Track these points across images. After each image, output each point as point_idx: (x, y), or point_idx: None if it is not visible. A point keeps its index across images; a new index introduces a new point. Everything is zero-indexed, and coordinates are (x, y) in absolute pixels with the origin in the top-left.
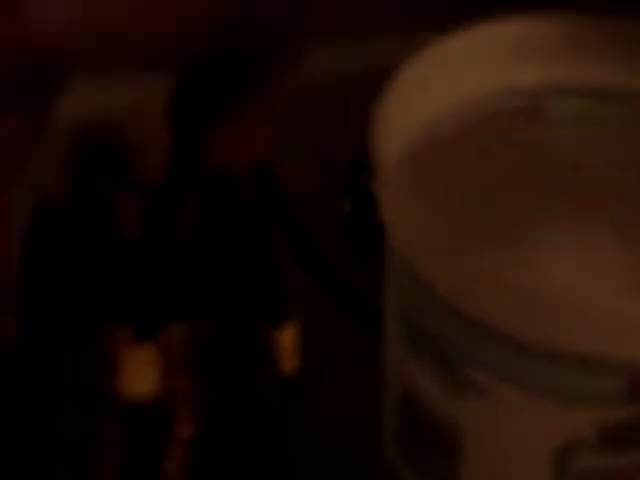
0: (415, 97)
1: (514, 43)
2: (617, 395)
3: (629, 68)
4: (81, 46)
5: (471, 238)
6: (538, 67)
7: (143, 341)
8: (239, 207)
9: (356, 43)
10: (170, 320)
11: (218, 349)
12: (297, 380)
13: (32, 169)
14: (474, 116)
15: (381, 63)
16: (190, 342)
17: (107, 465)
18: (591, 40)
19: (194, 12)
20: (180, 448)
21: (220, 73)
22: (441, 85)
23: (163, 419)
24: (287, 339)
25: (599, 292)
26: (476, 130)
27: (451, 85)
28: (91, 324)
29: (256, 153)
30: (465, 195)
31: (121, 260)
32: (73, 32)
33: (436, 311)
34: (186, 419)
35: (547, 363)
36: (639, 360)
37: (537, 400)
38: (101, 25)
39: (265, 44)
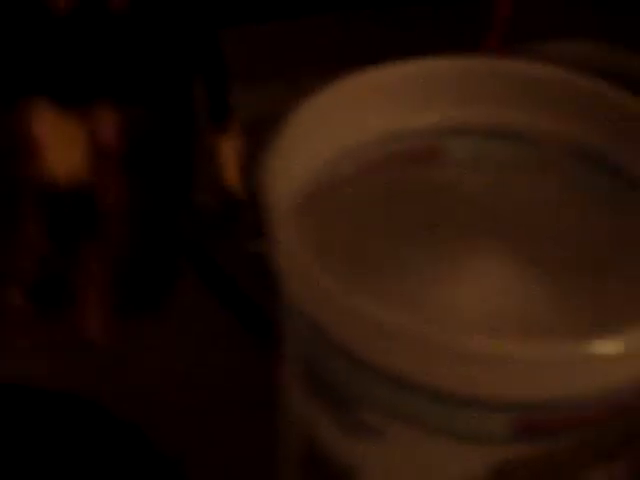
0: (310, 139)
1: (412, 84)
2: (504, 434)
3: (525, 109)
4: None
5: (363, 281)
6: (436, 108)
7: (67, 111)
8: None
9: (245, 90)
10: (99, 98)
11: (153, 144)
12: (238, 202)
13: None
14: (372, 157)
15: (269, 109)
16: (123, 132)
17: (26, 255)
18: (488, 81)
19: None
20: (103, 244)
21: None
22: (338, 127)
23: (87, 209)
24: (229, 147)
25: (492, 333)
26: (374, 172)
27: (348, 126)
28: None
29: None
30: (361, 238)
31: (48, 35)
32: None
33: (327, 352)
34: (112, 214)
35: (434, 402)
36: (524, 400)
37: (429, 439)
38: None
39: None
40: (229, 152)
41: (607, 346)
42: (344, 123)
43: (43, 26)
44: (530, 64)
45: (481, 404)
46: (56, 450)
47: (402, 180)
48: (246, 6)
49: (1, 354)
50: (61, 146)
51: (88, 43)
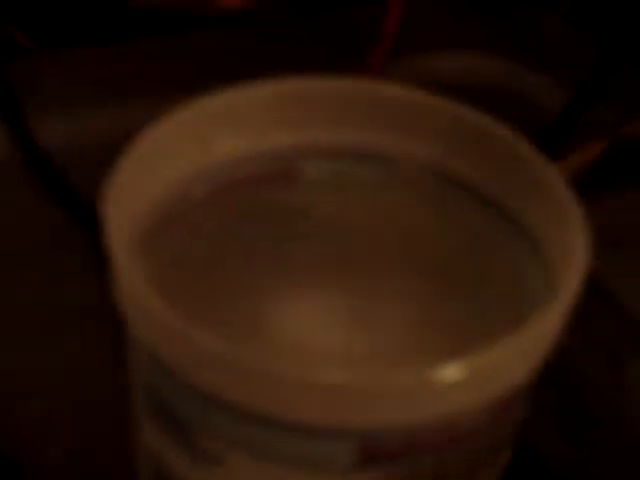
0: (156, 165)
1: (267, 105)
2: (349, 462)
3: (384, 130)
4: None
5: (208, 310)
6: (291, 130)
7: None
8: None
9: (99, 108)
10: None
11: None
12: None
13: None
14: (223, 181)
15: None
16: None
17: None
18: (344, 102)
19: None
20: None
21: None
22: (186, 151)
23: None
24: None
25: (341, 360)
26: (225, 195)
27: (197, 150)
28: None
29: None
30: (210, 265)
31: None
32: None
33: (165, 380)
34: None
35: (273, 430)
36: (368, 427)
37: (269, 468)
38: None
39: None
40: None
41: (446, 372)
42: (193, 147)
43: None
44: (387, 84)
45: (323, 432)
46: None
47: (254, 203)
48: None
49: None
50: None
51: None
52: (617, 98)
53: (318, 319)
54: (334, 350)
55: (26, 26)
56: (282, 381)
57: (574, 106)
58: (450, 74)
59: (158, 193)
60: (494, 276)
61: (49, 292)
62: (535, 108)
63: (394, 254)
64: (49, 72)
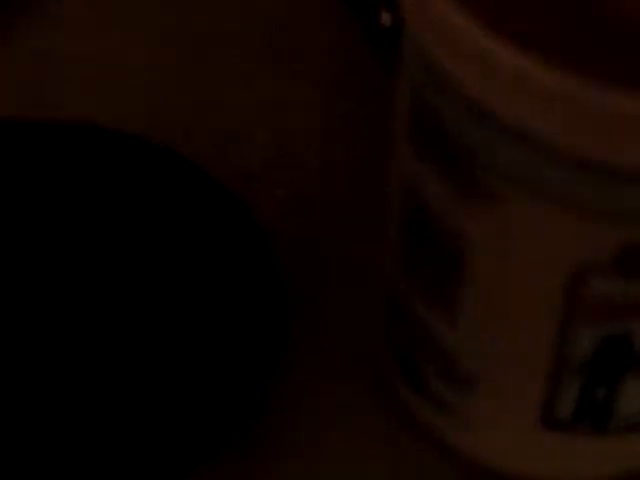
0: None
1: None
2: (636, 215)
3: None
4: None
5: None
6: None
7: None
8: None
9: None
10: None
11: None
12: None
13: None
14: None
15: None
16: None
17: None
18: None
19: None
20: None
21: None
22: None
23: None
24: None
25: None
26: None
27: None
28: None
29: None
30: None
31: None
32: None
33: (451, 104)
34: None
35: (570, 169)
36: None
37: (554, 210)
38: None
39: None
40: None
41: None
42: None
43: None
44: None
45: (624, 176)
46: (126, 198)
47: None
48: None
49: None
50: None
51: None
52: None
53: None
54: None
55: None
56: (591, 109)
57: None
58: None
59: None
60: None
61: None
62: None
63: None
64: None
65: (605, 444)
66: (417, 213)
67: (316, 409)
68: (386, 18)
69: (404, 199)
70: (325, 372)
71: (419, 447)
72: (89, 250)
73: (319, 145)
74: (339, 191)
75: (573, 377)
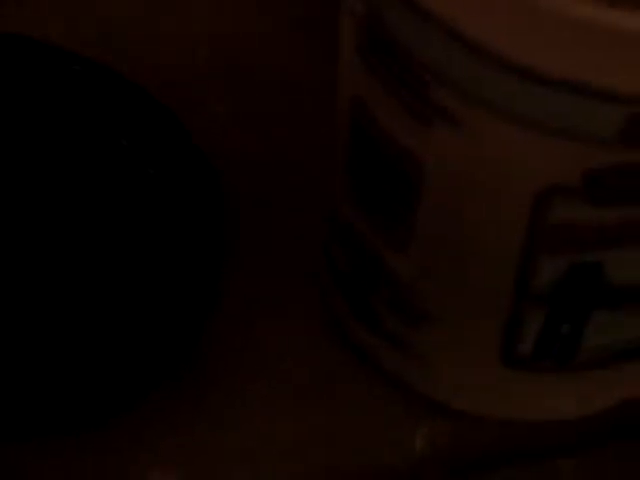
0: None
1: None
2: (610, 135)
3: None
4: None
5: None
6: None
7: None
8: None
9: None
10: None
11: None
12: None
13: None
14: None
15: None
16: None
17: None
18: None
19: None
20: None
21: None
22: None
23: None
24: None
25: None
26: None
27: None
28: None
29: None
30: None
31: None
32: None
33: (404, 17)
34: None
35: (530, 86)
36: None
37: (515, 131)
38: None
39: None
40: None
41: None
42: None
43: None
44: None
45: (588, 93)
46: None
47: None
48: None
49: None
50: None
51: None
52: None
53: None
54: None
55: None
56: (548, 16)
57: None
58: None
59: None
60: None
61: None
62: None
63: None
64: None
65: (570, 381)
66: (367, 131)
67: (259, 343)
68: None
69: (354, 117)
70: (267, 301)
71: (372, 383)
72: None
73: (266, 60)
74: (285, 107)
75: (536, 311)
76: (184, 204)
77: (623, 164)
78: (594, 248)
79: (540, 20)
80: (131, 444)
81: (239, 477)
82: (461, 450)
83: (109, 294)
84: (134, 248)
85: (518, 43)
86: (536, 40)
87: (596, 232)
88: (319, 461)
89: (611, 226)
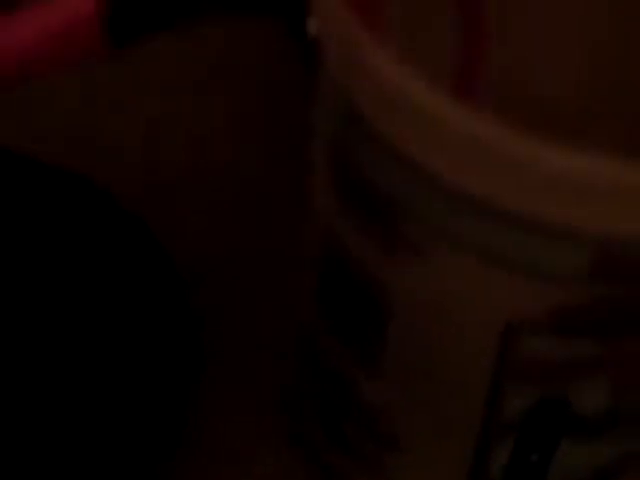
0: None
1: None
2: (576, 273)
3: None
4: None
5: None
6: None
7: None
8: None
9: None
10: None
11: None
12: None
13: None
14: None
15: None
16: None
17: None
18: None
19: None
20: None
21: None
22: None
23: None
24: None
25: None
26: None
27: None
28: None
29: None
30: None
31: None
32: None
33: (372, 151)
34: None
35: (495, 224)
36: (609, 232)
37: (480, 267)
38: None
39: None
40: None
41: None
42: None
43: None
44: None
45: (555, 234)
46: (43, 230)
47: None
48: None
49: None
50: None
51: None
52: None
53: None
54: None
55: None
56: (510, 163)
57: None
58: None
59: None
60: None
61: None
62: None
63: None
64: None
65: None
66: (337, 260)
67: (226, 456)
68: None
69: (323, 246)
70: (235, 418)
71: None
72: None
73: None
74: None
75: (505, 439)
76: (150, 319)
77: (590, 300)
78: (563, 380)
79: (497, 158)
80: None
81: None
82: None
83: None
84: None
85: (478, 180)
86: (498, 179)
87: (564, 365)
88: None
89: (579, 359)
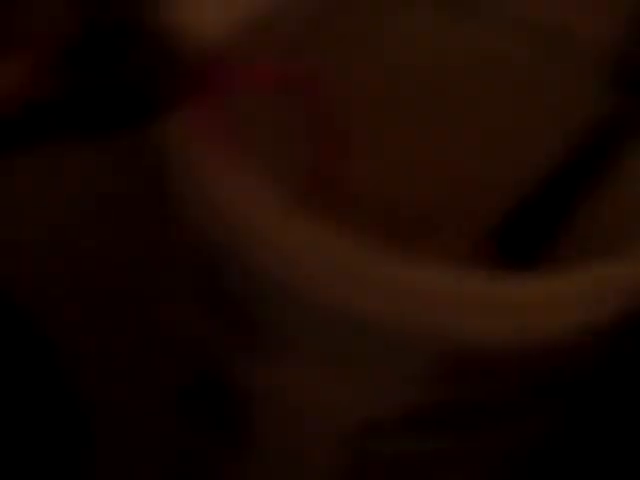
0: None
1: None
2: (423, 375)
3: None
4: None
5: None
6: None
7: None
8: None
9: None
10: None
11: None
12: None
13: None
14: None
15: None
16: None
17: None
18: None
19: None
20: None
21: None
22: None
23: None
24: None
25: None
26: None
27: None
28: None
29: None
30: None
31: None
32: None
33: (230, 266)
34: None
35: (342, 331)
36: (451, 337)
37: (330, 372)
38: None
39: None
40: None
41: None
42: None
43: None
44: None
45: (398, 340)
46: None
47: None
48: None
49: None
50: None
51: None
52: None
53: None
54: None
55: None
56: (351, 272)
57: None
58: None
59: None
60: None
61: None
62: None
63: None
64: None
65: None
66: (201, 365)
67: None
68: None
69: (187, 351)
70: None
71: None
72: None
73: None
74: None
75: None
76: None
77: (438, 401)
78: (421, 474)
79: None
80: None
81: None
82: None
83: None
84: None
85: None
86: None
87: (415, 461)
88: None
89: (430, 456)
